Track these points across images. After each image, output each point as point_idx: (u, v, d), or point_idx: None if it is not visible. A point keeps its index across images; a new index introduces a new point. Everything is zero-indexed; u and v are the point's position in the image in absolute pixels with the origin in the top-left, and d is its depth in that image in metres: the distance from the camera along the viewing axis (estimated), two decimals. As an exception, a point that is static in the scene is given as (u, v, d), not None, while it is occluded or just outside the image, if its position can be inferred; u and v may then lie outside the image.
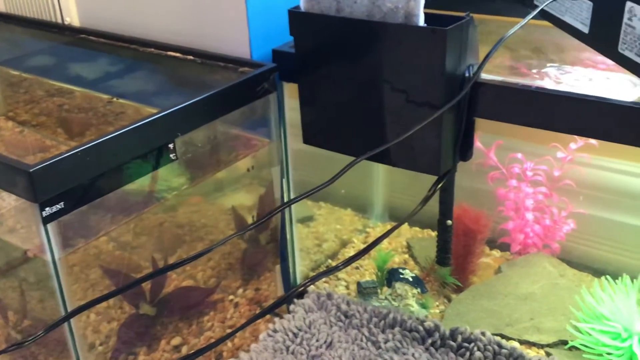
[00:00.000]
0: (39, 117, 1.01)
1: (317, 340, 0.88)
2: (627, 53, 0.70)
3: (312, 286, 0.98)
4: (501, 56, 0.86)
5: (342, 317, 0.92)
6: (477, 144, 1.00)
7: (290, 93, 0.93)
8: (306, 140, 0.90)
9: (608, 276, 0.92)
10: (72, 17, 1.14)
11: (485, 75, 0.76)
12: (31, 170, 0.63)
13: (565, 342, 0.90)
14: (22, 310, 0.89)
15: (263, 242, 1.04)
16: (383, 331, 0.89)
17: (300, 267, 1.10)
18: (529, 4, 0.88)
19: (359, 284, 1.04)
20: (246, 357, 0.85)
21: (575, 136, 0.97)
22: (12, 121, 1.05)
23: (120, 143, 0.71)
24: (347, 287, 1.08)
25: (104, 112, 0.92)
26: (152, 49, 1.01)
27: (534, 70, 0.82)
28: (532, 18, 0.78)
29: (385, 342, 0.87)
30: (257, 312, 0.88)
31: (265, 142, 0.96)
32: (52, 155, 0.65)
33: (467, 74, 0.76)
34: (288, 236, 1.05)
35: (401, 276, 1.03)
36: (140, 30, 1.04)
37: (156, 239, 0.95)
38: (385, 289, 1.03)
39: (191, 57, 0.97)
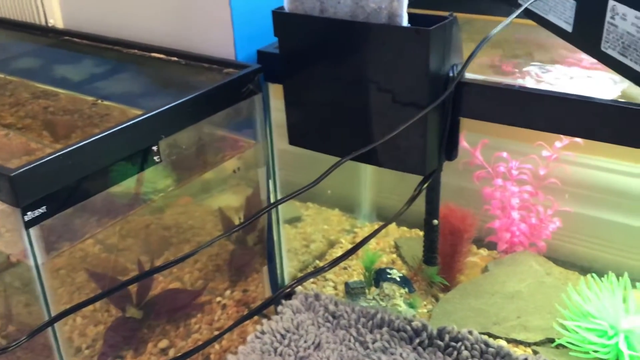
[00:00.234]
0: (24, 120, 1.00)
1: (305, 342, 0.88)
2: (609, 51, 0.70)
3: (300, 287, 0.98)
4: (485, 55, 0.87)
5: (330, 318, 0.92)
6: (463, 143, 1.00)
7: (276, 94, 0.92)
8: (292, 142, 0.90)
9: (594, 274, 0.93)
10: (56, 19, 1.13)
11: (469, 75, 0.77)
12: (12, 174, 0.62)
13: (552, 340, 0.90)
14: (7, 315, 0.88)
15: (250, 244, 1.03)
16: (371, 331, 0.89)
17: (288, 268, 1.10)
18: (513, 3, 0.88)
19: (346, 284, 1.04)
20: (234, 359, 0.85)
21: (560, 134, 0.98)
22: (-3, 124, 1.04)
23: (103, 146, 0.70)
24: (335, 288, 1.08)
25: (90, 114, 0.91)
26: (136, 51, 1.01)
27: (516, 70, 0.83)
28: (517, 17, 0.78)
29: (373, 343, 0.87)
30: (245, 313, 0.88)
31: (251, 143, 0.96)
32: (34, 159, 0.65)
33: (451, 74, 0.76)
34: (275, 237, 1.05)
35: (389, 276, 1.03)
36: (124, 31, 1.04)
37: (143, 241, 0.95)
38: (373, 289, 1.03)
39: (175, 59, 0.96)
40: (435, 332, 0.86)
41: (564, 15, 0.78)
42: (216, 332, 0.94)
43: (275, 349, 0.87)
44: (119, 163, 0.74)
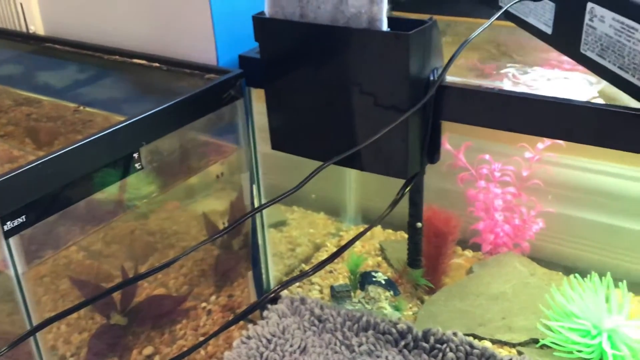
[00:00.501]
0: (7, 127, 1.00)
1: (291, 346, 0.88)
2: (588, 54, 0.70)
3: (285, 291, 0.98)
4: (465, 57, 0.87)
5: (316, 322, 0.92)
6: (446, 145, 1.00)
7: (260, 97, 0.92)
8: (274, 146, 0.90)
9: (577, 274, 0.93)
10: (37, 26, 1.12)
11: (450, 78, 0.77)
12: (-10, 184, 0.62)
13: (536, 341, 0.91)
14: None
15: (235, 248, 1.03)
16: (357, 334, 0.89)
17: (274, 272, 1.10)
18: (494, 5, 0.89)
19: (332, 288, 1.04)
20: (219, 365, 0.85)
21: (542, 136, 0.98)
22: (-21, 132, 1.03)
23: (82, 154, 0.70)
24: (320, 292, 1.08)
25: (72, 121, 0.91)
26: (118, 57, 1.00)
27: (494, 72, 0.83)
28: (498, 19, 0.78)
29: (359, 346, 0.87)
30: (231, 318, 0.88)
31: (234, 148, 0.96)
32: (13, 168, 0.64)
33: (432, 77, 0.76)
34: (260, 241, 1.05)
35: (374, 279, 1.03)
36: (105, 37, 1.03)
37: (127, 247, 0.94)
38: (358, 292, 1.03)
39: (157, 65, 0.96)
40: (420, 334, 0.87)
41: (543, 17, 0.78)
42: (201, 338, 0.94)
43: (262, 354, 0.87)
44: (100, 170, 0.73)
